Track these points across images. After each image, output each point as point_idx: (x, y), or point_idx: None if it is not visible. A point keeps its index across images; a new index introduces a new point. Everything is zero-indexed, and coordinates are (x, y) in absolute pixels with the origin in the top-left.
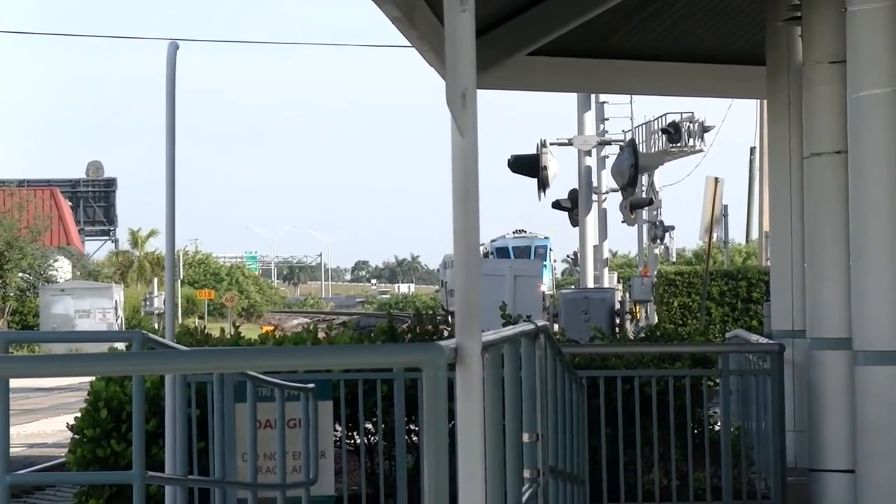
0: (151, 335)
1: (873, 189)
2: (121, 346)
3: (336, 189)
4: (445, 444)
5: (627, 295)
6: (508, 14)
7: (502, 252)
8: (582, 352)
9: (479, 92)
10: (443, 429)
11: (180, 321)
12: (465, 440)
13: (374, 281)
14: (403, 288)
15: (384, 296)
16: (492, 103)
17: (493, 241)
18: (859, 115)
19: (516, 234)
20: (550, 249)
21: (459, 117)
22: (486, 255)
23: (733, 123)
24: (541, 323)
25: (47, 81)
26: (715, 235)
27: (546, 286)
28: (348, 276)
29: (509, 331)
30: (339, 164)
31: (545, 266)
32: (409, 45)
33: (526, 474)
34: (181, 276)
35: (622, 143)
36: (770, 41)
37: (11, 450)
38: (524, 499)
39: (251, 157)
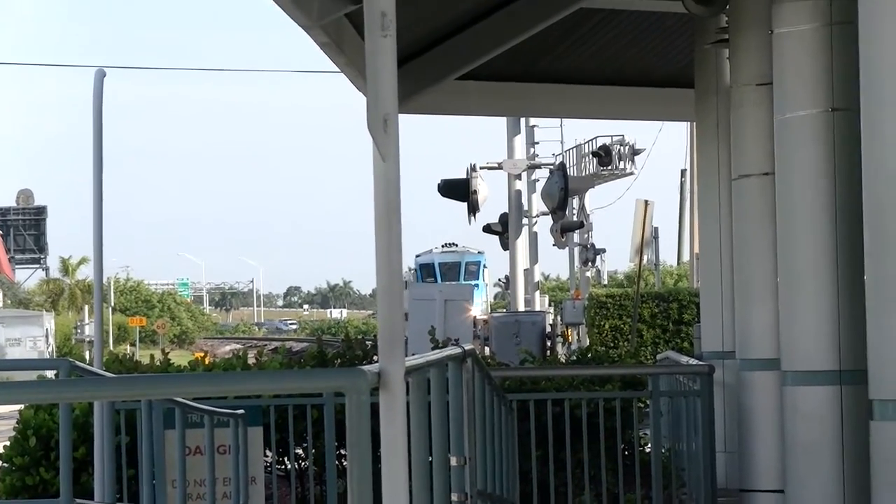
0: (78, 363)
1: (800, 210)
2: (51, 373)
3: (268, 215)
4: (369, 468)
5: (559, 318)
6: (437, 39)
7: (426, 269)
8: (512, 375)
9: (410, 116)
10: (366, 453)
11: (111, 348)
12: (388, 464)
13: (306, 306)
14: (336, 313)
15: (314, 321)
16: (421, 127)
17: (417, 256)
18: (786, 137)
19: (445, 249)
20: (485, 266)
21: (381, 142)
22: (412, 270)
23: (664, 146)
24: (468, 347)
25: None
26: (645, 258)
27: (479, 308)
28: (280, 302)
29: (435, 355)
30: (270, 189)
31: (477, 286)
32: (338, 70)
33: (454, 498)
34: (112, 304)
35: (552, 167)
36: (698, 64)
37: None
38: None
39: (183, 184)
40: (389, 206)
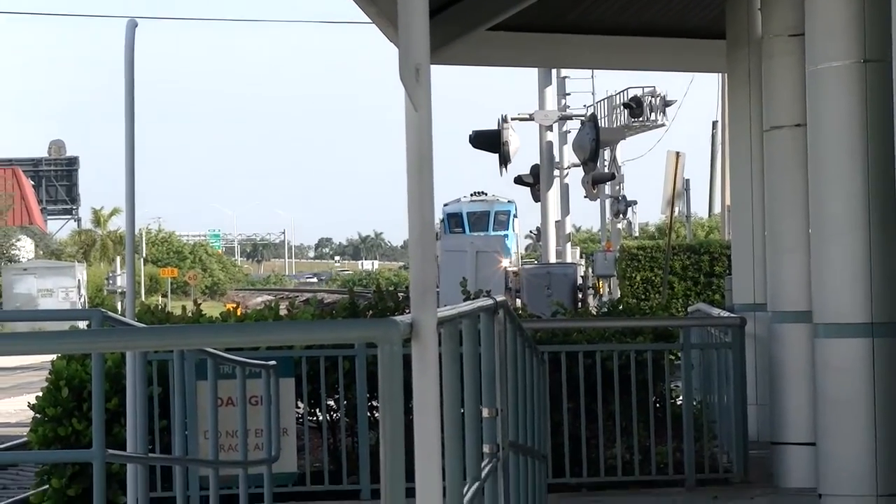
0: (110, 313)
1: (832, 162)
2: (83, 324)
3: (299, 166)
4: (401, 419)
5: (590, 270)
6: None
7: (454, 219)
8: (543, 327)
9: (440, 67)
10: (398, 404)
11: (143, 299)
12: (421, 415)
13: (337, 258)
14: (367, 265)
15: (346, 272)
16: (452, 78)
17: (445, 205)
18: (818, 88)
19: (474, 198)
20: (515, 216)
21: (413, 92)
22: (440, 221)
23: (696, 97)
24: (500, 298)
25: (5, 60)
26: (677, 210)
27: (509, 260)
28: (312, 254)
29: (467, 306)
30: (302, 140)
31: (507, 236)
32: (370, 20)
33: (485, 449)
34: (144, 255)
35: (583, 118)
36: (730, 15)
37: None
38: (483, 473)
39: (214, 134)
40: (421, 156)
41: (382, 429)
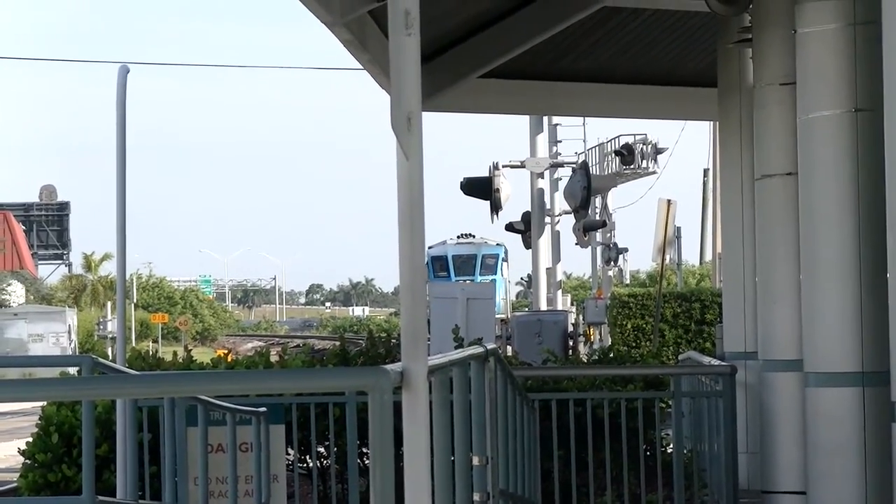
0: (101, 360)
1: (823, 210)
2: (74, 370)
3: (290, 212)
4: (391, 467)
5: (581, 317)
6: (460, 37)
7: (439, 262)
8: (534, 374)
9: (432, 114)
10: (389, 453)
11: (134, 345)
12: (411, 463)
13: (328, 304)
14: (358, 311)
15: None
16: (444, 125)
17: (429, 247)
18: (809, 137)
19: (460, 240)
20: (504, 260)
21: (404, 141)
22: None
23: (687, 145)
24: (490, 346)
25: None
26: (668, 257)
27: (498, 307)
28: (303, 300)
29: (458, 354)
30: (292, 186)
31: (496, 281)
32: (361, 67)
33: (476, 498)
34: (135, 300)
35: (575, 166)
36: (721, 63)
37: None
38: None
39: (205, 180)
40: (413, 205)
41: (373, 477)
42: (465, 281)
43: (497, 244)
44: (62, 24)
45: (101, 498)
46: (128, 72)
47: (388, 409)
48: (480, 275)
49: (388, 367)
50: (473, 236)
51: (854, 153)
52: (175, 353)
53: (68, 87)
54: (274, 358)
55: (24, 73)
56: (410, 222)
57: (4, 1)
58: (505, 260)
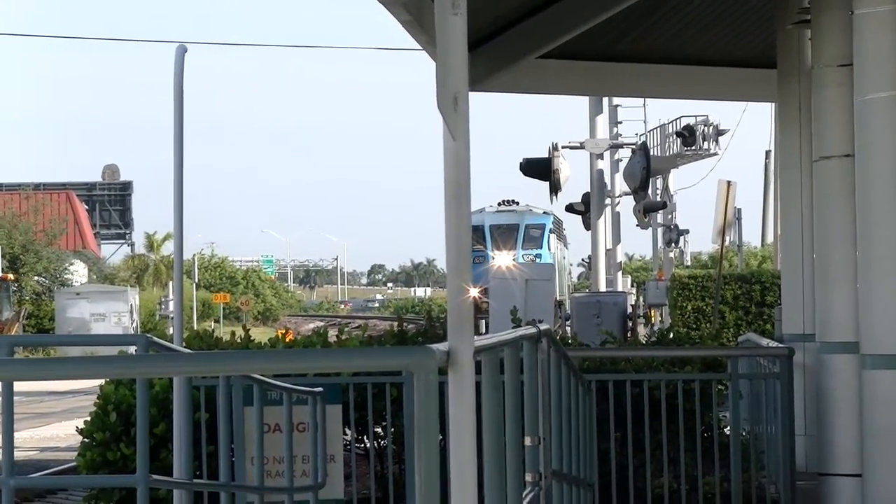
0: (156, 339)
1: (880, 192)
2: (133, 349)
3: (352, 192)
4: (436, 448)
5: (642, 299)
6: (518, 17)
7: (475, 233)
8: (591, 355)
9: (493, 94)
10: (434, 433)
11: (196, 325)
12: (456, 444)
13: (389, 284)
14: (420, 292)
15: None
16: (504, 106)
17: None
18: (866, 119)
19: (501, 208)
20: (552, 231)
21: (451, 121)
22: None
23: (749, 127)
24: (544, 327)
25: (60, 84)
26: (728, 239)
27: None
28: (364, 280)
29: (508, 334)
30: (355, 167)
31: (540, 255)
32: (421, 48)
33: (528, 478)
34: (197, 280)
35: (634, 147)
36: (780, 44)
37: (25, 453)
38: (525, 502)
39: (268, 160)
40: (459, 185)
41: (417, 457)
42: (507, 255)
43: (545, 213)
44: (120, 4)
45: (155, 477)
46: (185, 51)
47: (433, 389)
48: (523, 248)
49: (434, 346)
50: (517, 203)
51: None
52: (233, 333)
53: (128, 67)
54: (332, 338)
55: (84, 53)
56: (457, 202)
57: None
58: (554, 232)
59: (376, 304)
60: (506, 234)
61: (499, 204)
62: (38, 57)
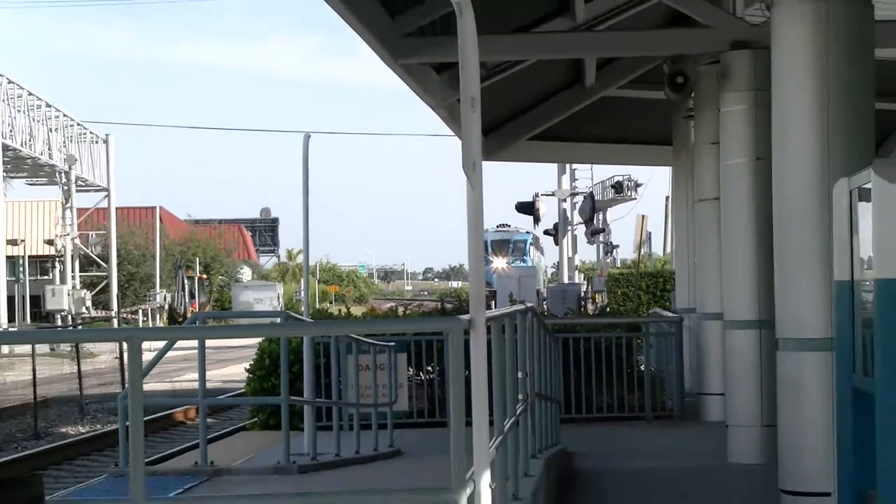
0: (292, 313)
1: (734, 223)
2: (278, 320)
3: (413, 220)
4: (462, 382)
5: (590, 287)
6: (514, 115)
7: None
8: (559, 322)
9: (497, 163)
10: (460, 373)
11: (317, 305)
12: (475, 378)
13: (436, 280)
14: (454, 284)
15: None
16: (504, 169)
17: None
18: (727, 176)
19: (498, 228)
20: (531, 244)
21: (471, 177)
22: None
23: (656, 181)
24: (529, 305)
25: (228, 153)
26: (642, 250)
27: (505, 280)
28: (420, 277)
29: (507, 310)
30: (412, 204)
31: (524, 261)
32: (453, 134)
33: (520, 397)
34: (318, 277)
35: (585, 194)
36: (675, 131)
37: (212, 384)
38: (518, 411)
39: (357, 201)
40: (476, 220)
41: (452, 385)
42: (502, 260)
43: (526, 232)
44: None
45: (293, 398)
46: (309, 138)
47: (460, 344)
48: (511, 255)
49: (461, 317)
50: (508, 226)
51: (754, 187)
52: (339, 310)
53: (270, 144)
54: (401, 313)
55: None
56: (475, 229)
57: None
58: (533, 244)
59: (426, 293)
60: (501, 246)
61: (497, 226)
62: (218, 144)
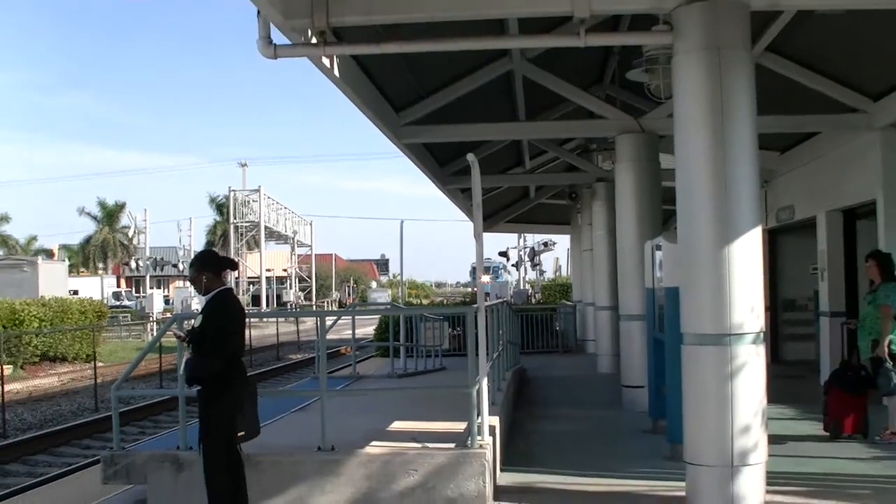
0: (397, 304)
1: (600, 260)
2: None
3: (449, 246)
4: (474, 336)
5: (533, 291)
6: (497, 211)
7: (472, 272)
8: (519, 307)
9: (487, 233)
10: (472, 332)
11: (407, 299)
12: (480, 334)
13: (461, 287)
14: (470, 289)
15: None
16: (492, 235)
17: (473, 265)
18: (595, 239)
19: (486, 261)
20: (502, 269)
21: (477, 243)
22: (473, 269)
23: (563, 240)
24: (505, 299)
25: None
26: (557, 274)
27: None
28: (454, 285)
29: (496, 301)
30: (450, 240)
31: (498, 277)
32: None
33: (500, 343)
34: (406, 286)
35: (530, 247)
36: (572, 217)
37: (358, 335)
38: (500, 349)
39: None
40: (479, 259)
41: (468, 337)
42: (487, 277)
43: (498, 264)
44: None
45: (394, 343)
46: (403, 223)
47: (472, 318)
48: (493, 274)
49: (473, 305)
50: (491, 259)
51: (608, 242)
52: (411, 304)
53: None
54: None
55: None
56: (481, 266)
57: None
58: (505, 269)
59: (451, 295)
60: (487, 270)
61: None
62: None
